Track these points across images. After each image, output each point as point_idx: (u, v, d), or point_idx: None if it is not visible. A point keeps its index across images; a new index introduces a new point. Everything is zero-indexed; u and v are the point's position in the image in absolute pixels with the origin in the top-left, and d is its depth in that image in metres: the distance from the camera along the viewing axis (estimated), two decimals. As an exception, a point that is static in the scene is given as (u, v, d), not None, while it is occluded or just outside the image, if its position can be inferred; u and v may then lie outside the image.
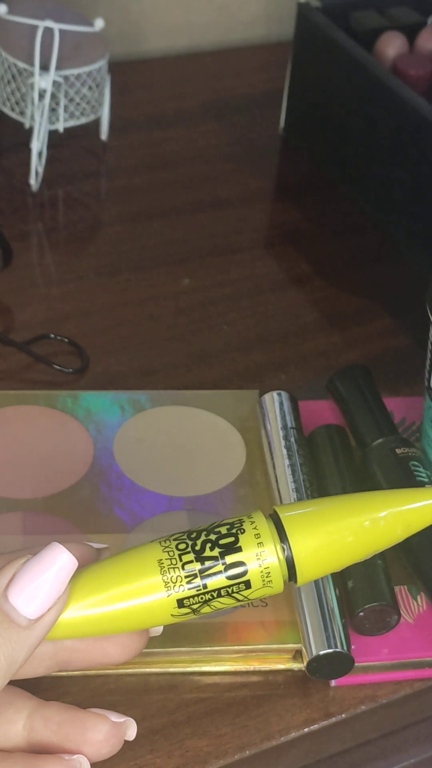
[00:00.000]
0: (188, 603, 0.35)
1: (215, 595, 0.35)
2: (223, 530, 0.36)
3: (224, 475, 0.56)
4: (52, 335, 0.65)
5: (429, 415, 0.56)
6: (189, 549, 0.36)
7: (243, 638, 0.49)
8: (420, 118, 0.69)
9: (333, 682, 0.49)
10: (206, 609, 0.36)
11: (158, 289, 0.70)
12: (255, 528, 0.36)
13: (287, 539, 0.35)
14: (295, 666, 0.49)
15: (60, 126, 0.76)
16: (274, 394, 0.58)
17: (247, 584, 0.35)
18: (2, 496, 0.53)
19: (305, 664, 0.48)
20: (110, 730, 0.37)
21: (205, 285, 0.71)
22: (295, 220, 0.78)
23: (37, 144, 0.74)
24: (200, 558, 0.35)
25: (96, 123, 0.80)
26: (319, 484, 0.54)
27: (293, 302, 0.71)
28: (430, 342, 0.54)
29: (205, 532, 0.36)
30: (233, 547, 0.35)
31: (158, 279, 0.71)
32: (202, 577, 0.35)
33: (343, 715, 0.48)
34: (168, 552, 0.36)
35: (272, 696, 0.48)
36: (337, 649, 0.47)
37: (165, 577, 0.35)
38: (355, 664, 0.48)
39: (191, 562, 0.35)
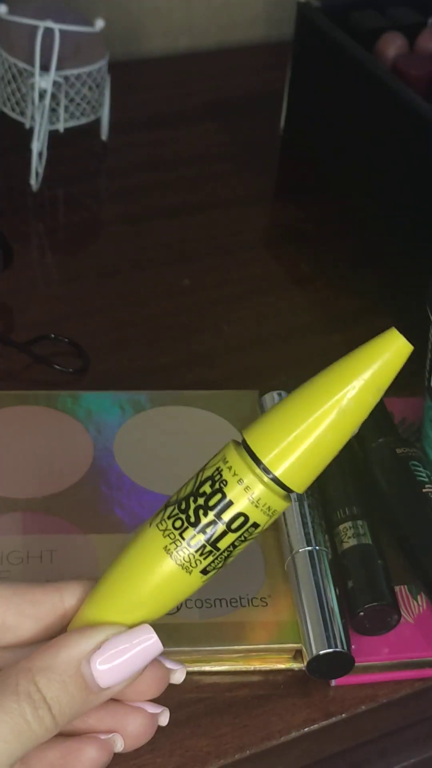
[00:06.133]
0: (211, 568, 0.36)
1: (231, 549, 0.36)
2: (208, 489, 0.36)
3: (224, 475, 0.56)
4: (53, 335, 0.65)
5: (429, 415, 0.56)
6: (186, 524, 0.36)
7: (243, 638, 0.49)
8: (420, 118, 0.69)
9: (333, 682, 0.49)
10: (230, 560, 0.36)
11: (158, 289, 0.70)
12: (233, 472, 0.35)
13: (263, 463, 0.35)
14: (296, 666, 0.49)
15: (60, 126, 0.76)
16: (275, 394, 0.58)
17: (255, 525, 0.35)
18: (2, 496, 0.53)
19: (305, 663, 0.48)
20: (148, 721, 0.38)
21: (206, 285, 0.71)
22: (296, 220, 0.78)
23: (38, 144, 0.74)
24: (201, 529, 0.35)
25: (96, 123, 0.80)
26: (319, 483, 0.54)
27: (293, 302, 0.71)
28: (431, 342, 0.54)
29: (192, 498, 0.36)
30: (225, 504, 0.35)
31: (158, 279, 0.71)
32: (212, 546, 0.35)
33: (344, 715, 0.48)
34: (169, 536, 0.36)
35: (272, 696, 0.48)
36: (338, 649, 0.47)
37: (180, 563, 0.36)
38: (356, 663, 0.48)
39: (194, 537, 0.35)
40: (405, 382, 0.64)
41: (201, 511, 0.35)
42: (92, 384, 0.62)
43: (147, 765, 0.45)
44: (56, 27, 0.72)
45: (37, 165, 0.75)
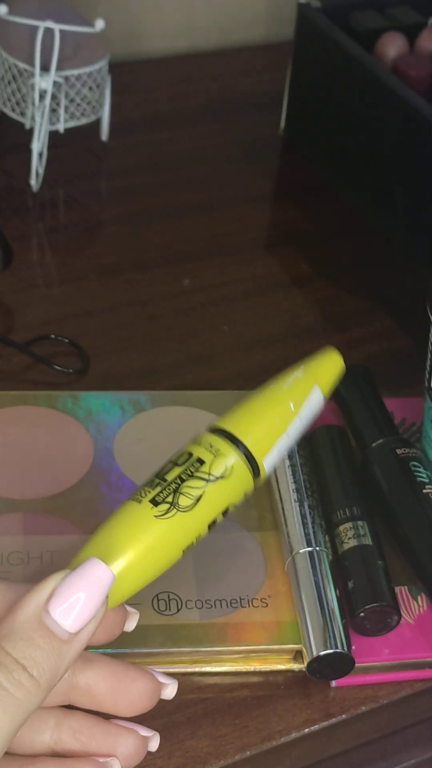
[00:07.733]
0: (161, 498, 0.39)
1: (179, 482, 0.40)
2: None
3: (224, 475, 0.56)
4: (53, 336, 0.65)
5: (429, 415, 0.56)
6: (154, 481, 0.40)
7: (243, 639, 0.49)
8: (420, 119, 0.69)
9: (333, 683, 0.49)
10: (184, 499, 0.39)
11: (158, 289, 0.70)
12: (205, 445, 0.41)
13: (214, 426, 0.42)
14: (296, 666, 0.49)
15: (60, 126, 0.76)
16: (275, 394, 0.58)
17: (200, 460, 0.40)
18: (2, 496, 0.53)
19: (306, 664, 0.48)
20: (139, 744, 0.38)
21: (206, 285, 0.71)
22: (295, 220, 0.78)
23: (38, 145, 0.74)
24: (155, 472, 0.41)
25: (96, 123, 0.80)
26: (319, 484, 0.54)
27: (293, 302, 0.71)
28: (431, 342, 0.54)
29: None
30: (179, 453, 0.41)
31: (158, 279, 0.71)
32: (160, 478, 0.40)
33: (344, 716, 0.48)
34: (139, 494, 0.40)
35: (273, 696, 0.48)
36: (338, 650, 0.47)
37: (133, 497, 0.40)
38: (356, 664, 0.48)
39: (148, 478, 0.40)
40: (405, 382, 0.64)
41: (162, 466, 0.41)
42: (92, 384, 0.62)
43: (147, 766, 0.45)
44: (56, 27, 0.72)
45: (37, 165, 0.75)
